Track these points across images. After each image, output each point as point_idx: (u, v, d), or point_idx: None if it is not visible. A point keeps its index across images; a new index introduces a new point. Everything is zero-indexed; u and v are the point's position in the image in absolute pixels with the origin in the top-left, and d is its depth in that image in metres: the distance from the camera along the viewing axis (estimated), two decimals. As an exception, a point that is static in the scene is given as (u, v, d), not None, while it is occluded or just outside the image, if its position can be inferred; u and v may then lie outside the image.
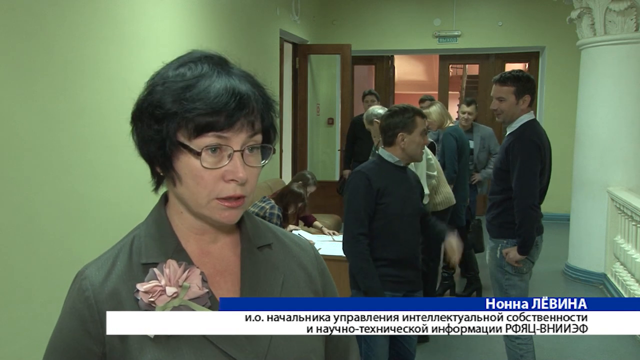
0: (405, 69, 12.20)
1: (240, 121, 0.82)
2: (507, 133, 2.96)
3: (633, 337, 4.06)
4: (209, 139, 0.81)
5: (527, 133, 2.84)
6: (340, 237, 4.63)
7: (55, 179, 2.86)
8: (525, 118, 2.88)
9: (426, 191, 3.69)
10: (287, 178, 7.04)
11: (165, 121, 0.82)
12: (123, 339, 0.83)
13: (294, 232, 4.48)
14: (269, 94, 0.89)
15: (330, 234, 4.69)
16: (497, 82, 2.93)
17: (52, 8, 2.83)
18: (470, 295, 4.90)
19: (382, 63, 9.12)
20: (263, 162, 0.88)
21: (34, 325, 2.62)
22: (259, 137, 0.86)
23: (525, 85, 2.88)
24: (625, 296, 4.48)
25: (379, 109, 4.24)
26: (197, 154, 0.81)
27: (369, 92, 6.16)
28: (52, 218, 2.84)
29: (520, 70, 2.99)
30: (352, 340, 1.07)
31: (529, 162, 2.78)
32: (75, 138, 3.01)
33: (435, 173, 3.97)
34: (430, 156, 3.99)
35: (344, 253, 2.63)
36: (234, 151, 0.82)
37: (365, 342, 2.60)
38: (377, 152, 4.15)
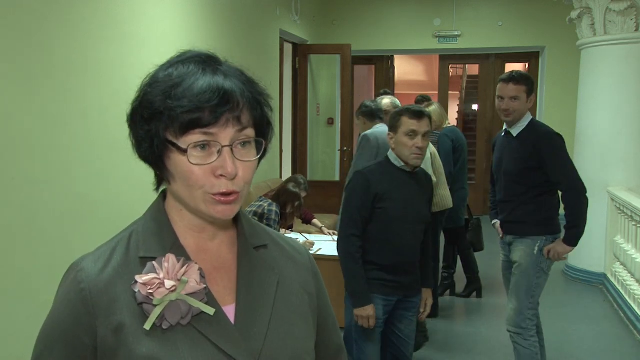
0: (405, 69, 12.21)
1: (225, 116, 0.82)
2: (518, 133, 2.95)
3: (633, 337, 4.07)
4: (195, 136, 0.82)
5: (545, 127, 2.95)
6: (340, 237, 4.64)
7: (55, 179, 2.86)
8: (530, 116, 2.98)
9: None
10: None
11: (153, 121, 0.84)
12: (117, 332, 0.83)
13: (286, 234, 4.48)
14: (260, 88, 0.89)
15: (330, 234, 4.69)
16: (512, 81, 2.93)
17: (52, 8, 2.83)
18: (470, 296, 4.90)
19: (382, 63, 9.12)
20: (257, 156, 0.87)
21: (34, 324, 2.61)
22: (249, 132, 0.86)
23: (532, 85, 2.99)
24: (625, 296, 4.48)
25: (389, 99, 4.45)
26: (184, 151, 0.82)
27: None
28: (52, 218, 2.85)
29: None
30: (342, 343, 1.10)
31: (566, 153, 2.89)
32: (76, 138, 3.01)
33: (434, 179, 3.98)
34: (431, 156, 3.99)
35: (337, 252, 2.59)
36: (223, 146, 0.83)
37: (356, 344, 2.58)
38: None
